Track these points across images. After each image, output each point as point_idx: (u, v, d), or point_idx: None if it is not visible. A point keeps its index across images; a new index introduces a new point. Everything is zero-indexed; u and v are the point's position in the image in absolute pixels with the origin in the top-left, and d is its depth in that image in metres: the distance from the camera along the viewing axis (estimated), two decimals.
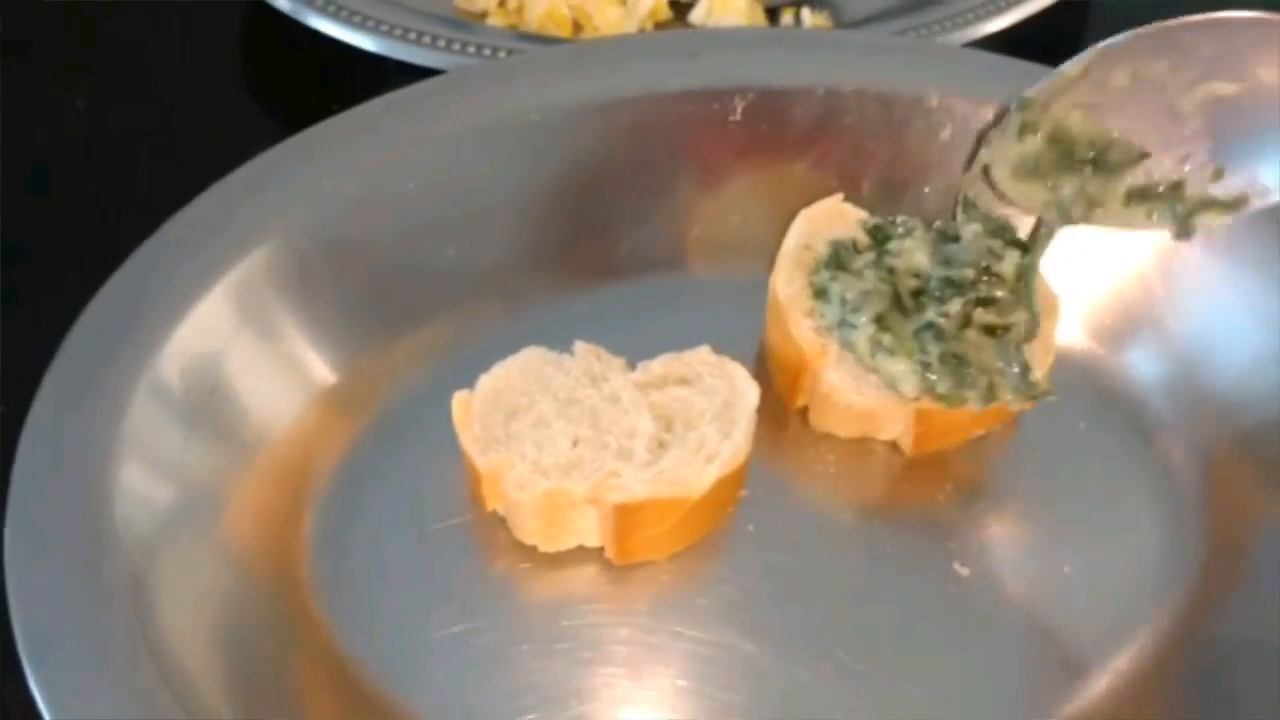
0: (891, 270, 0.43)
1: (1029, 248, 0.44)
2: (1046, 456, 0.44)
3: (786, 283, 0.44)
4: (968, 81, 0.49)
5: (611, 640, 0.39)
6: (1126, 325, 0.47)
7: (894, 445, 0.44)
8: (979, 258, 0.43)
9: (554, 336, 0.43)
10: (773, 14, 0.65)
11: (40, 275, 0.52)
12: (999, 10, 0.59)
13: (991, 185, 0.43)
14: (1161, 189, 0.41)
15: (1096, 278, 0.47)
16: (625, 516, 0.39)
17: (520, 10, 0.63)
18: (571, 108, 0.48)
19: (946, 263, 0.43)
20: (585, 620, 0.40)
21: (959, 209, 0.45)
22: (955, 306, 0.42)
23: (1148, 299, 0.47)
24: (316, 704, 0.38)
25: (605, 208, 0.49)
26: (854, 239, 0.45)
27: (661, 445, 0.40)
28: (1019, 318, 0.42)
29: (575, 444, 0.40)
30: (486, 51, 0.56)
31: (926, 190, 0.49)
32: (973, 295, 0.42)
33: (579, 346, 0.43)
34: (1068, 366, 0.44)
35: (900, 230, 0.44)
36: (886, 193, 0.48)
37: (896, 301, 0.43)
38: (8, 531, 0.35)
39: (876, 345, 0.42)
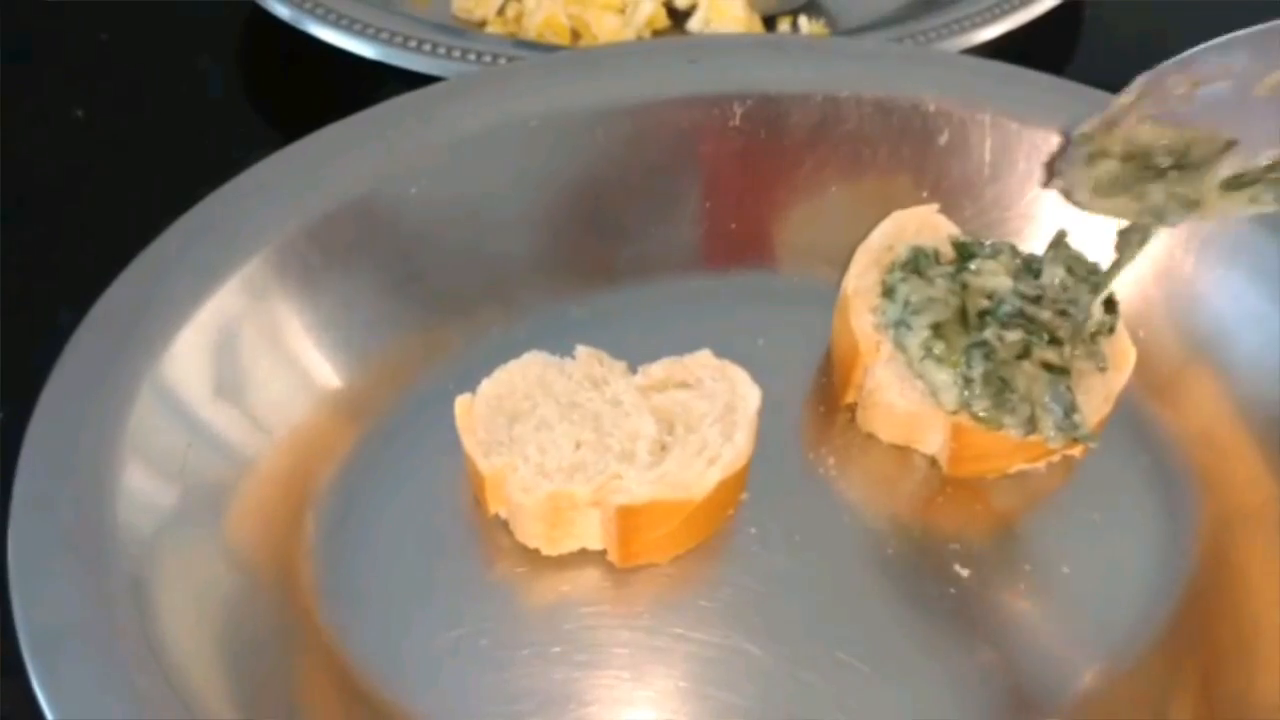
0: (965, 286, 0.43)
1: (1117, 255, 0.42)
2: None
3: (859, 275, 0.45)
4: (965, 87, 0.50)
5: (614, 643, 0.39)
6: (1125, 328, 0.47)
7: (933, 460, 0.44)
8: (1058, 298, 0.43)
9: (555, 341, 0.43)
10: (769, 22, 0.65)
11: (42, 281, 0.52)
12: (994, 18, 0.59)
13: (1078, 206, 0.41)
14: (1258, 171, 0.39)
15: None
16: (628, 519, 0.39)
17: (519, 18, 0.63)
18: (572, 114, 0.48)
19: (1025, 295, 0.43)
20: (587, 623, 0.40)
21: (1050, 246, 0.44)
22: (1015, 335, 0.42)
23: (1142, 297, 0.47)
24: (318, 706, 0.38)
25: (605, 213, 0.49)
26: (937, 249, 0.45)
27: (663, 448, 0.40)
28: (1080, 364, 0.42)
29: (578, 447, 0.40)
30: (486, 59, 0.56)
31: (925, 195, 0.49)
32: (1041, 334, 0.42)
33: (580, 350, 0.43)
34: None
35: (987, 251, 0.44)
36: (887, 197, 0.48)
37: (961, 316, 0.43)
38: (11, 534, 0.35)
39: (927, 351, 0.42)
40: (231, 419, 0.41)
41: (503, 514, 0.41)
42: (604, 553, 0.41)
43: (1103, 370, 0.43)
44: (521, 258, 0.48)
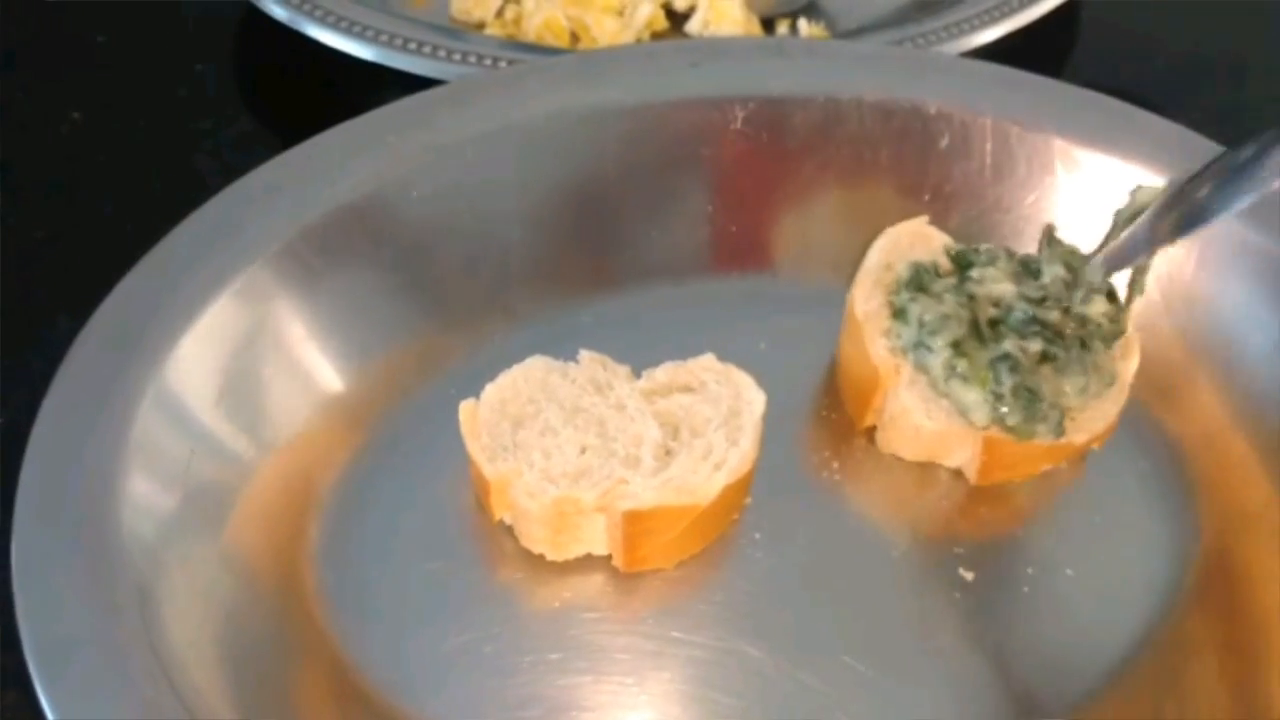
0: (972, 297, 0.43)
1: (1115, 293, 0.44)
2: None
3: (865, 299, 0.44)
4: (965, 90, 0.50)
5: (618, 648, 0.39)
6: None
7: (959, 473, 0.44)
8: (1061, 296, 0.43)
9: (558, 345, 0.43)
10: (768, 24, 0.65)
11: (40, 286, 0.52)
12: (993, 20, 0.59)
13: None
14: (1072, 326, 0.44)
15: None
16: (634, 524, 0.39)
17: (518, 20, 0.63)
18: (574, 118, 0.48)
19: (1031, 299, 0.43)
20: (592, 628, 0.40)
21: (1043, 244, 0.45)
22: (1036, 345, 0.42)
23: (1146, 306, 0.47)
24: (322, 712, 0.38)
25: (607, 217, 0.49)
26: (935, 263, 0.45)
27: (668, 453, 0.40)
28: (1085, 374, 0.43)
29: (583, 452, 0.40)
30: (485, 61, 0.56)
31: (926, 198, 0.49)
32: (1057, 339, 0.42)
33: (584, 355, 0.43)
34: None
35: (983, 258, 0.44)
36: (889, 200, 0.49)
37: (974, 328, 0.43)
38: (15, 542, 0.35)
39: (951, 371, 0.42)
40: (234, 425, 0.41)
41: (507, 519, 0.41)
42: (609, 558, 0.41)
43: (1116, 359, 0.43)
44: (524, 262, 0.48)
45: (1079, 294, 0.43)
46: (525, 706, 0.38)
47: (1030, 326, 0.42)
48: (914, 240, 0.46)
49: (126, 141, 0.59)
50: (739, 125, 0.49)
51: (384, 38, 0.57)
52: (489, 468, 0.40)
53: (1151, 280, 0.47)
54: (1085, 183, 0.49)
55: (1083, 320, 0.43)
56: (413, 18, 0.61)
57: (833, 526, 0.43)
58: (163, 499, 0.38)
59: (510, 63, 0.55)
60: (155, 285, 0.41)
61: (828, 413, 0.46)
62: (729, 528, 0.42)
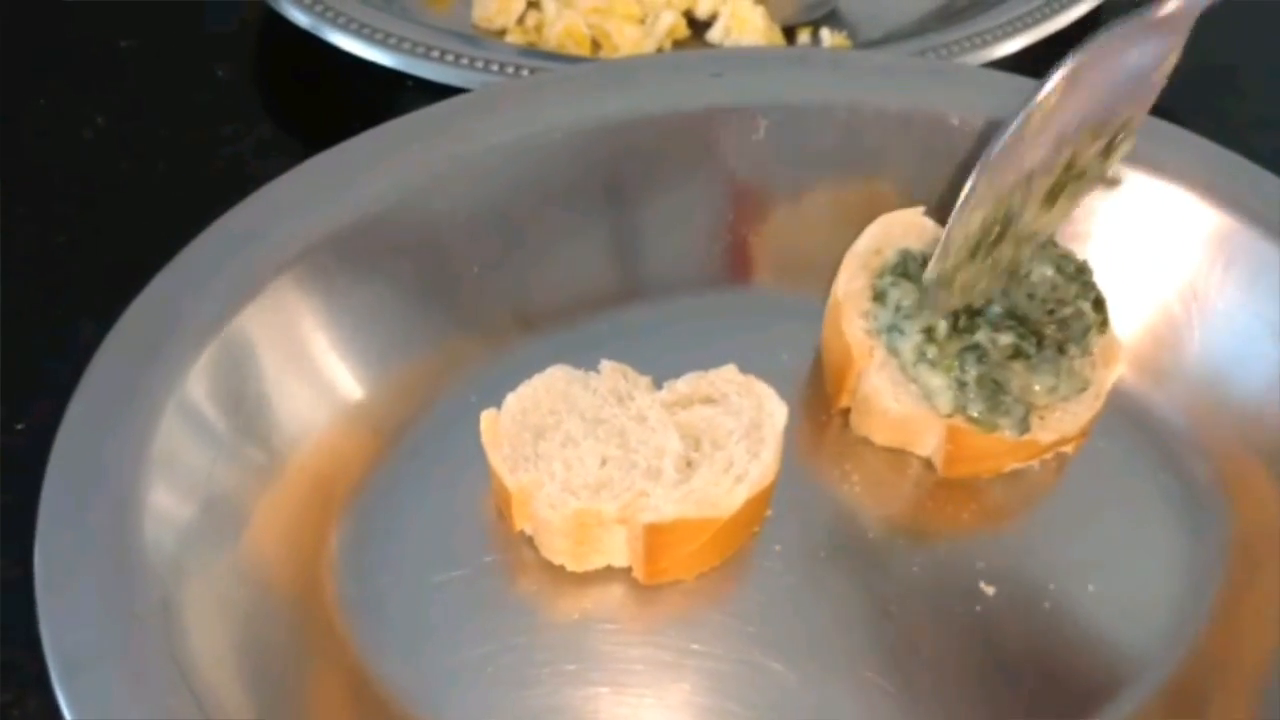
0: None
1: (1103, 300, 0.44)
2: (1070, 476, 0.45)
3: (848, 280, 0.45)
4: (987, 102, 0.50)
5: (637, 660, 0.39)
6: (1147, 345, 0.47)
7: (928, 462, 0.44)
8: (1048, 297, 0.43)
9: (579, 355, 0.43)
10: (790, 33, 0.65)
11: (63, 291, 0.52)
12: (1016, 31, 0.59)
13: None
14: (1061, 175, 0.42)
15: (1118, 301, 0.47)
16: (655, 536, 0.39)
17: (539, 28, 0.63)
18: (596, 127, 0.48)
19: (1010, 295, 0.43)
20: (611, 640, 0.40)
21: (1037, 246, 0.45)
22: (1008, 338, 0.42)
23: (1169, 319, 0.47)
24: None
25: (629, 226, 0.49)
26: (925, 252, 0.45)
27: (690, 465, 0.40)
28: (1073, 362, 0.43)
29: (604, 463, 0.40)
30: (507, 69, 0.56)
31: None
32: (1030, 337, 0.42)
33: (605, 365, 0.43)
34: None
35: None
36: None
37: (954, 319, 0.43)
38: (37, 552, 0.35)
39: (920, 356, 0.42)
40: (255, 434, 0.41)
41: (528, 529, 0.41)
42: (629, 569, 0.41)
43: (1093, 367, 0.43)
44: (545, 271, 0.48)
45: (1067, 296, 0.43)
46: (544, 717, 0.38)
47: (1005, 320, 0.42)
48: (907, 229, 0.46)
49: (148, 147, 0.59)
50: (761, 135, 0.49)
51: (405, 45, 0.57)
52: (510, 478, 0.40)
53: (1175, 296, 0.47)
54: (1110, 196, 0.48)
55: (1064, 323, 0.43)
56: (434, 24, 0.61)
57: (854, 539, 0.42)
58: (184, 508, 0.38)
59: (531, 71, 0.55)
60: (177, 294, 0.41)
61: (850, 426, 0.46)
62: (749, 540, 0.42)
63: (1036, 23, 0.60)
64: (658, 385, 0.43)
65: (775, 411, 0.41)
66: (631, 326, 0.47)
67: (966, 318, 0.43)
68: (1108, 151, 0.43)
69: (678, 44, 0.64)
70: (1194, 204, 0.47)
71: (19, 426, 0.46)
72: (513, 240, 0.47)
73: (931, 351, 0.42)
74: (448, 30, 0.60)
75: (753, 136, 0.49)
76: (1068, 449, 0.44)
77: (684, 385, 0.42)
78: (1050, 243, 0.45)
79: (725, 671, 0.39)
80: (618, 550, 0.40)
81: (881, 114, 0.49)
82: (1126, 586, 0.42)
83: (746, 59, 0.53)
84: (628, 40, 0.62)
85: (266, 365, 0.42)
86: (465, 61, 0.56)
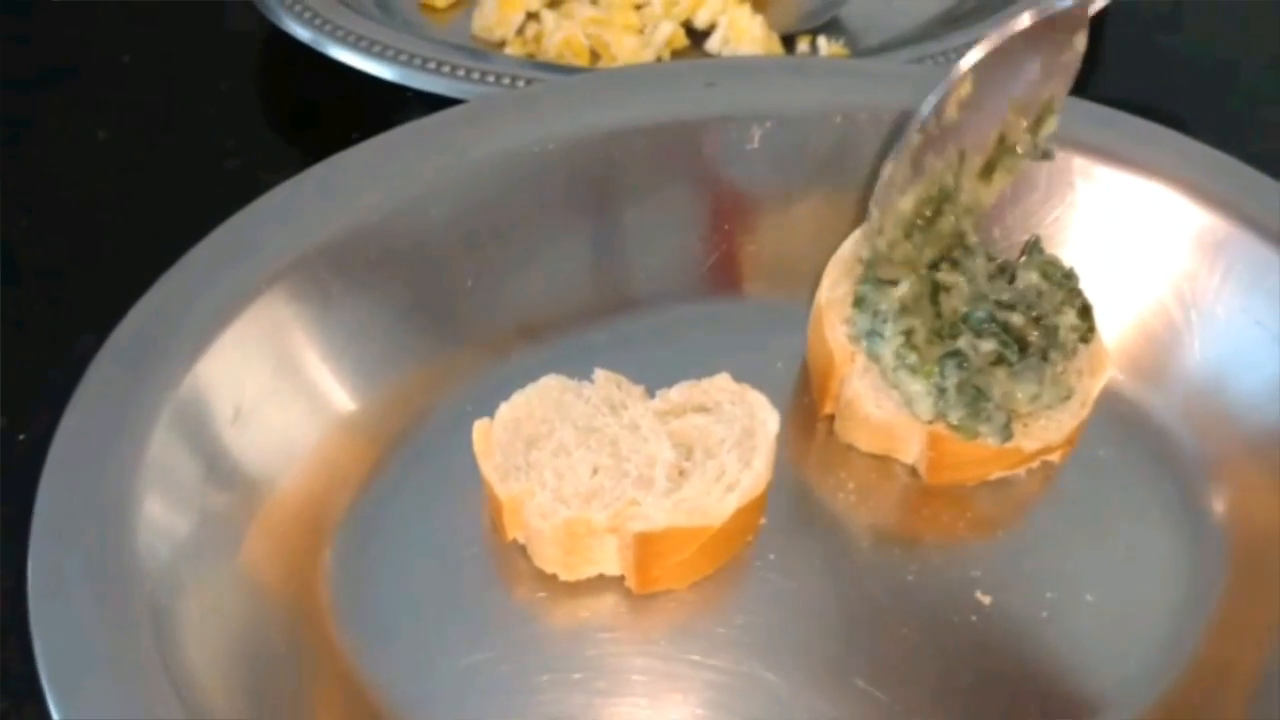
0: (936, 290, 0.43)
1: (1089, 309, 0.44)
2: (1067, 484, 0.44)
3: (831, 287, 0.45)
4: None
5: (631, 669, 0.39)
6: (1145, 351, 0.47)
7: (913, 469, 0.44)
8: (1033, 303, 0.43)
9: (573, 365, 0.43)
10: (788, 42, 0.65)
11: (64, 303, 0.52)
12: None
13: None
14: (994, 151, 0.45)
15: (1113, 305, 0.47)
16: (646, 545, 0.39)
17: (538, 39, 0.64)
18: (590, 137, 0.48)
19: (999, 301, 0.43)
20: (605, 649, 0.39)
21: (1023, 251, 0.45)
22: (990, 344, 0.42)
23: (1166, 325, 0.47)
24: None
25: (624, 236, 0.49)
26: None
27: (682, 473, 0.40)
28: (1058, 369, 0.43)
29: (595, 472, 0.40)
30: (505, 81, 0.56)
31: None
32: (1013, 344, 0.42)
33: (599, 374, 0.43)
34: None
35: (958, 256, 0.44)
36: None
37: (938, 325, 0.43)
38: (31, 560, 0.35)
39: (900, 361, 0.42)
40: (250, 444, 0.41)
41: (520, 539, 0.41)
42: (622, 579, 0.41)
43: (1079, 375, 0.43)
44: (540, 281, 0.48)
45: (1053, 303, 0.43)
46: None
47: (988, 326, 0.42)
48: None
49: (152, 160, 0.60)
50: (756, 144, 0.49)
51: (405, 57, 0.57)
52: (501, 488, 0.40)
53: (1173, 301, 0.47)
54: (1106, 200, 0.48)
55: (1048, 331, 0.43)
56: (434, 37, 0.61)
57: (849, 549, 0.42)
58: (178, 518, 0.38)
59: (530, 82, 0.56)
60: (171, 305, 0.41)
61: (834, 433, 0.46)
62: (742, 549, 0.42)
63: None
64: (651, 394, 0.43)
65: (768, 420, 0.41)
66: (625, 336, 0.48)
67: (949, 324, 0.43)
68: (1035, 127, 0.44)
69: (676, 54, 0.64)
70: (1192, 209, 0.47)
71: (20, 437, 0.47)
72: (507, 250, 0.47)
73: (911, 358, 0.42)
74: (447, 43, 0.60)
75: (746, 146, 0.49)
76: (1054, 458, 0.44)
77: (677, 394, 0.42)
78: (1037, 248, 0.45)
79: (719, 681, 0.39)
80: (610, 559, 0.40)
81: (878, 121, 0.49)
82: (1125, 595, 0.41)
83: (740, 68, 0.53)
84: (626, 51, 0.62)
85: (260, 376, 0.42)
86: (464, 73, 0.56)
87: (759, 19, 0.64)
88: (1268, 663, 0.39)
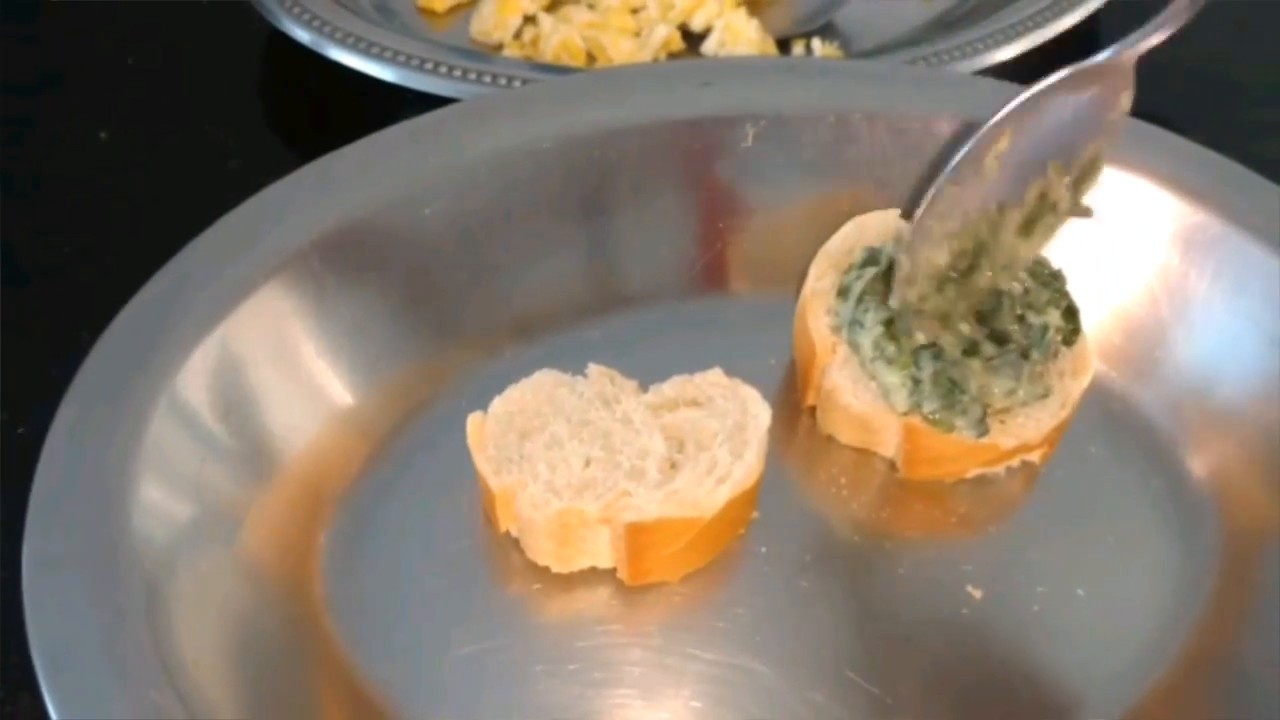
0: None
1: (1075, 310, 0.44)
2: (1058, 480, 0.45)
3: (818, 277, 0.45)
4: (979, 108, 0.50)
5: (624, 661, 0.39)
6: (1135, 347, 0.47)
7: (893, 464, 0.44)
8: (1017, 300, 0.43)
9: (568, 361, 0.44)
10: (784, 45, 0.65)
11: (63, 300, 0.53)
12: (1009, 39, 0.59)
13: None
14: (1032, 208, 0.44)
15: (1105, 302, 0.47)
16: (637, 536, 0.39)
17: (535, 41, 0.64)
18: (585, 135, 0.49)
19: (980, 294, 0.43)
20: (598, 641, 0.40)
21: None
22: (965, 327, 0.42)
23: (1157, 322, 0.47)
24: None
25: (618, 234, 0.49)
26: (891, 251, 0.44)
27: (673, 466, 0.40)
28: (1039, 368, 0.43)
29: (588, 464, 0.40)
30: (504, 82, 0.56)
31: None
32: (992, 335, 0.43)
33: (592, 369, 0.43)
34: None
35: None
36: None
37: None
38: (26, 548, 0.36)
39: (879, 352, 0.42)
40: (246, 436, 0.41)
41: (513, 531, 0.42)
42: (614, 571, 0.41)
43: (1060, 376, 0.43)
44: (535, 277, 0.48)
45: (1037, 302, 0.44)
46: (531, 717, 0.38)
47: (965, 317, 0.43)
48: (881, 229, 0.46)
49: (153, 160, 0.60)
50: (750, 143, 0.49)
51: (403, 59, 0.58)
52: (494, 479, 0.40)
53: (1165, 300, 0.47)
54: (1099, 200, 0.48)
55: (1030, 329, 0.43)
56: (433, 39, 0.62)
57: (840, 542, 0.43)
58: (174, 506, 0.38)
59: (527, 83, 0.56)
60: (169, 297, 0.42)
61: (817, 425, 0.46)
62: (736, 542, 0.42)
63: (1030, 30, 0.60)
64: (644, 389, 0.43)
65: (759, 414, 0.41)
66: (619, 333, 0.48)
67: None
68: (1077, 185, 0.44)
69: (672, 57, 0.64)
70: (1184, 209, 0.47)
71: (20, 431, 0.47)
72: (502, 247, 0.48)
73: (890, 349, 0.42)
74: (446, 45, 0.61)
75: (741, 145, 0.49)
76: (1034, 458, 0.44)
77: (669, 388, 0.43)
78: None
79: (712, 673, 0.39)
80: (602, 552, 0.40)
81: (871, 121, 0.50)
82: (1116, 590, 0.42)
83: (735, 68, 0.53)
84: (622, 53, 0.62)
85: (257, 368, 0.42)
86: (462, 74, 0.57)
87: (754, 22, 0.64)
88: (1257, 656, 0.39)
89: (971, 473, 0.44)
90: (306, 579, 0.40)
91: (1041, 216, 0.44)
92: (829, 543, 0.42)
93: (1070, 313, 0.44)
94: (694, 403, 0.42)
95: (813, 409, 0.46)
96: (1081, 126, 0.43)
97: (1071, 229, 0.48)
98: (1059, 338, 0.43)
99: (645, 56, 0.63)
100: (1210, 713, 0.39)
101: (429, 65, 0.57)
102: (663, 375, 0.43)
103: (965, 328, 0.42)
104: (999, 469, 0.44)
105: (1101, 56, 0.43)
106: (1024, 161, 0.42)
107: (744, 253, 0.50)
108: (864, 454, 0.45)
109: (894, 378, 0.42)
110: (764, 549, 0.42)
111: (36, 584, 0.35)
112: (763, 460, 0.41)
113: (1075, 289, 0.45)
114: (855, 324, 0.43)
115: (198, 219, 0.45)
